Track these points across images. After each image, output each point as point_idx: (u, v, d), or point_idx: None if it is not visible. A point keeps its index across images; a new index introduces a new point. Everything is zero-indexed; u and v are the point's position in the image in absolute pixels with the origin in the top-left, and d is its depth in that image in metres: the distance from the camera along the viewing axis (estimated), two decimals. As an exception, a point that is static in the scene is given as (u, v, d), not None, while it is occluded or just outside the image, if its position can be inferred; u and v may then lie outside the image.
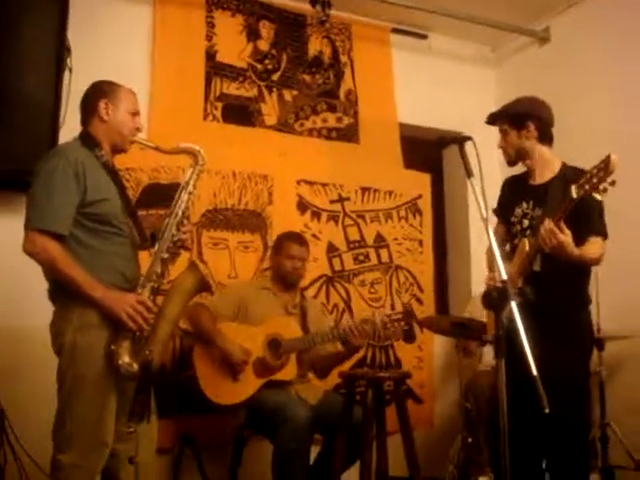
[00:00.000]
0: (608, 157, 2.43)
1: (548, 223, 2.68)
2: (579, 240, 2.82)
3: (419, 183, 5.13)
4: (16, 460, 3.42)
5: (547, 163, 3.13)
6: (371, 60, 5.10)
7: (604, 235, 2.97)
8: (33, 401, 3.50)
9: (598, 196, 2.50)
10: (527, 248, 2.89)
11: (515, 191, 3.19)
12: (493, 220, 3.31)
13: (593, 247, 2.91)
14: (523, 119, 3.12)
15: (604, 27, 4.66)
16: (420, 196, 5.10)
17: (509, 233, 3.20)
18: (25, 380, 3.61)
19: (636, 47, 4.42)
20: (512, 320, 2.17)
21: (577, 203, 2.64)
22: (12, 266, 3.36)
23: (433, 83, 5.27)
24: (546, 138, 3.14)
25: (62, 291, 2.55)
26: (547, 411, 2.01)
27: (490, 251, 3.27)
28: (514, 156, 3.17)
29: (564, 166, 3.11)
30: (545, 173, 3.12)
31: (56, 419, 2.54)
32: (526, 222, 3.07)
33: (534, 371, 2.04)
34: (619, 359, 4.31)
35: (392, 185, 4.99)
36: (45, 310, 2.63)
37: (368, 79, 5.07)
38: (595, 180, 2.47)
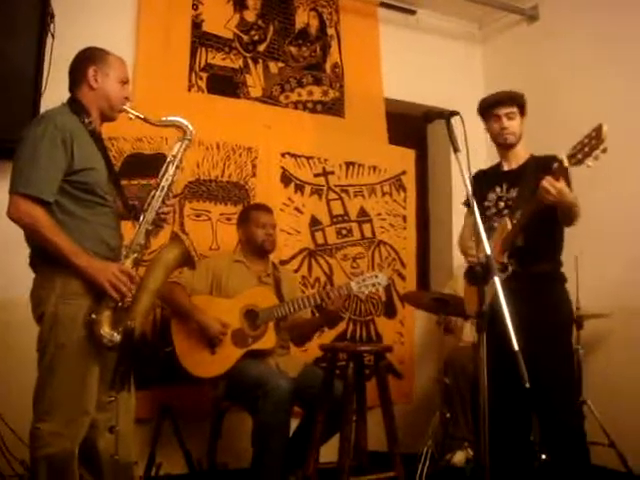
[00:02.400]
0: (600, 126, 2.56)
1: (546, 179, 2.83)
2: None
3: (404, 159, 5.13)
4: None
5: (521, 151, 3.33)
6: (358, 34, 5.07)
7: None
8: (12, 371, 3.49)
9: (590, 163, 2.63)
10: (509, 226, 3.05)
11: (486, 180, 3.34)
12: (463, 210, 3.53)
13: None
14: (525, 108, 3.31)
15: (592, 6, 4.65)
16: (404, 172, 5.10)
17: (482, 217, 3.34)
18: (3, 350, 3.59)
19: (624, 26, 4.42)
20: (494, 295, 2.21)
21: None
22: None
23: (420, 59, 5.25)
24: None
25: (44, 259, 2.52)
26: (528, 386, 2.03)
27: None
28: (516, 140, 3.30)
29: (532, 155, 3.32)
30: (518, 160, 3.31)
31: (36, 388, 2.52)
32: (501, 204, 3.24)
33: (515, 346, 2.06)
34: (597, 338, 4.36)
35: (376, 160, 4.98)
36: (29, 279, 2.59)
37: (355, 53, 5.04)
38: (587, 149, 2.61)
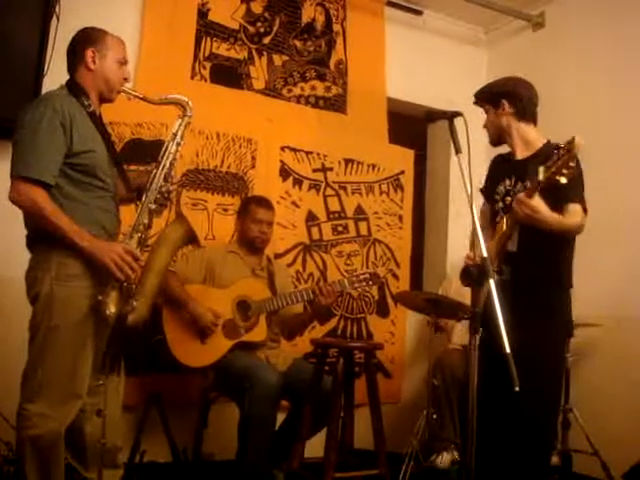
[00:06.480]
0: (572, 139, 2.37)
1: (520, 195, 2.68)
2: (556, 209, 2.76)
3: (403, 159, 5.12)
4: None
5: (528, 141, 3.03)
6: (364, 31, 5.06)
7: (582, 203, 2.86)
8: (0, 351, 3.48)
9: (563, 179, 2.42)
10: (504, 227, 2.82)
11: (499, 169, 3.12)
12: (480, 200, 3.22)
13: (571, 214, 2.83)
14: (497, 97, 3.05)
15: (599, 14, 4.66)
16: (403, 172, 5.09)
17: (493, 211, 3.11)
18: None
19: (630, 34, 4.43)
20: (488, 298, 2.18)
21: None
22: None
23: (424, 60, 5.25)
24: (525, 116, 3.04)
25: (41, 240, 2.51)
26: (517, 389, 2.03)
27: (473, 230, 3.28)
28: (494, 135, 3.11)
29: (547, 143, 3.01)
30: (526, 150, 3.03)
31: (26, 369, 2.51)
32: (509, 199, 2.96)
33: (507, 349, 2.05)
34: (584, 346, 4.36)
35: (376, 159, 4.98)
36: (24, 259, 2.59)
37: (360, 50, 5.03)
38: (560, 163, 2.42)
